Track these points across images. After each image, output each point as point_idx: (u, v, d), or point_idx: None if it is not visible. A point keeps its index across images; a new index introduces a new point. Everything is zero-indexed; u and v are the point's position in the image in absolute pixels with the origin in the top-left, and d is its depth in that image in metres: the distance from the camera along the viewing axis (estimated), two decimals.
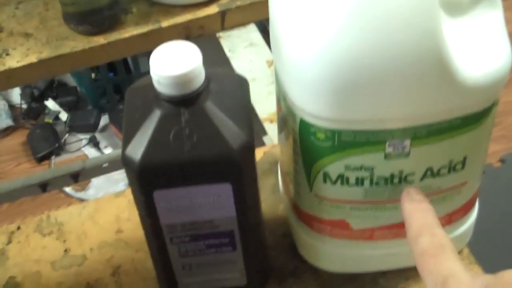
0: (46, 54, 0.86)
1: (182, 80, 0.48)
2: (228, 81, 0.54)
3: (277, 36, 0.53)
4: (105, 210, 0.71)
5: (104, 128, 1.98)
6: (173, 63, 0.49)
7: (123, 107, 2.00)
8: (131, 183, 0.53)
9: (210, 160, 0.50)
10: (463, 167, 0.54)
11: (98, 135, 1.96)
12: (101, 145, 1.94)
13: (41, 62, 0.86)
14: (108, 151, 1.92)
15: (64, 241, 0.68)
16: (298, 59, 0.49)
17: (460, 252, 0.64)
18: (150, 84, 0.50)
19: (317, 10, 0.47)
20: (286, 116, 0.56)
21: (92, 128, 1.96)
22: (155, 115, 0.50)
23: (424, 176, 0.54)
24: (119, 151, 1.37)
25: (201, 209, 0.53)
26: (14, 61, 0.86)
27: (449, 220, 0.59)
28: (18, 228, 0.70)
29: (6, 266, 0.67)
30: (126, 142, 0.51)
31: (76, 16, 0.87)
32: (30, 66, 0.86)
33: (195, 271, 0.58)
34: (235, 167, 0.51)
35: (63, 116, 1.99)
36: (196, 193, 0.52)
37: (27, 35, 0.89)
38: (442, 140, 0.51)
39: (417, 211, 0.45)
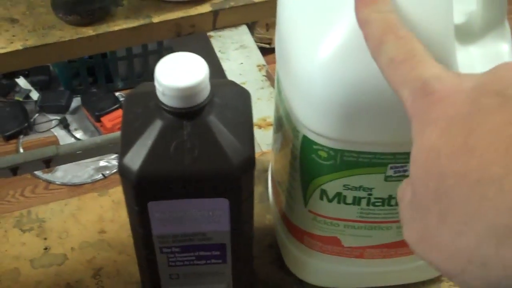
0: (32, 42, 0.84)
1: (188, 93, 0.47)
2: (231, 94, 0.53)
3: (286, 50, 0.52)
4: (88, 209, 0.70)
5: (75, 110, 1.95)
6: (179, 75, 0.47)
7: (95, 91, 1.96)
8: (126, 193, 0.52)
9: (210, 175, 0.49)
10: None
11: (68, 117, 1.93)
12: (72, 127, 1.91)
13: (26, 50, 0.84)
14: (78, 133, 1.89)
15: (45, 238, 0.67)
16: (307, 79, 0.49)
17: None
18: (152, 93, 0.49)
19: (329, 31, 0.46)
20: (286, 129, 0.55)
21: (63, 109, 1.92)
22: (157, 126, 0.49)
23: None
24: (93, 139, 1.36)
25: (195, 221, 0.53)
26: None
27: None
28: None
29: None
30: (124, 150, 0.50)
31: (66, 5, 0.85)
32: (15, 53, 0.84)
33: (182, 281, 0.57)
34: (234, 183, 0.50)
35: (34, 95, 1.95)
36: (191, 206, 0.51)
37: (13, 21, 0.87)
38: None
39: (376, 13, 0.37)
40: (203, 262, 0.56)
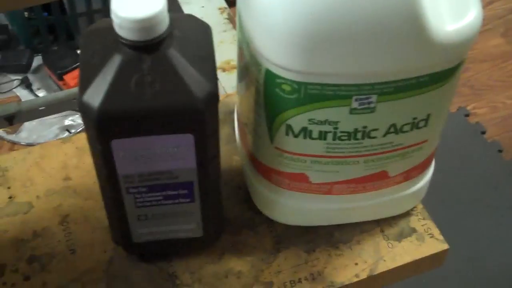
0: None
1: (146, 24, 0.46)
2: (191, 28, 0.52)
3: None
4: (51, 156, 0.68)
5: (37, 70, 1.90)
6: (137, 6, 0.46)
7: (56, 48, 1.92)
8: (87, 131, 0.50)
9: (173, 109, 0.48)
10: (426, 124, 0.54)
11: (30, 77, 1.88)
12: (34, 86, 1.87)
13: None
14: (41, 93, 1.85)
15: (8, 187, 0.66)
16: (268, 9, 0.48)
17: (414, 208, 0.64)
18: (109, 28, 0.48)
19: None
20: (250, 66, 0.54)
21: (24, 68, 1.88)
22: (115, 61, 0.48)
23: (387, 132, 0.54)
24: (55, 94, 1.34)
25: (160, 159, 0.52)
26: None
27: (407, 176, 0.59)
28: None
29: None
30: (84, 88, 0.48)
31: None
32: None
33: (150, 222, 0.56)
34: (198, 118, 0.49)
35: None
36: (156, 143, 0.50)
37: None
38: (408, 97, 0.51)
39: None
40: (171, 202, 0.55)
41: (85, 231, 0.62)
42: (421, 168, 0.60)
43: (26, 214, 0.64)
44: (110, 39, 0.48)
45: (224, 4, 0.86)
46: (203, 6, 0.86)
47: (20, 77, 1.88)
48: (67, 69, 1.84)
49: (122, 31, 0.47)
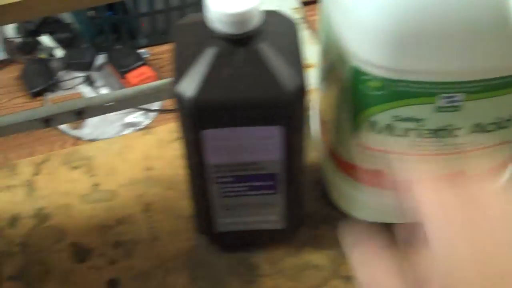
0: None
1: (241, 18, 0.48)
2: (278, 23, 0.54)
3: None
4: (133, 147, 0.70)
5: (100, 67, 1.95)
6: (232, 1, 0.48)
7: (121, 47, 1.96)
8: (181, 121, 0.52)
9: (263, 102, 0.50)
10: (510, 125, 0.54)
11: (94, 74, 1.93)
12: (97, 84, 1.91)
13: None
14: (103, 90, 1.90)
15: (93, 175, 0.68)
16: (360, 7, 0.49)
17: None
18: (201, 22, 0.49)
19: None
20: (335, 63, 0.55)
21: (87, 66, 1.93)
22: (209, 53, 0.49)
23: (471, 131, 0.54)
24: (123, 91, 1.37)
25: (248, 150, 0.53)
26: None
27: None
28: (46, 159, 0.70)
29: (33, 197, 0.66)
30: (178, 78, 0.50)
31: None
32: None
33: (235, 212, 0.58)
34: (287, 111, 0.51)
35: (58, 52, 1.96)
36: (245, 134, 0.52)
37: None
38: (494, 96, 0.51)
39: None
40: (256, 193, 0.57)
41: (168, 220, 0.64)
42: (499, 168, 0.60)
43: (110, 201, 0.66)
44: (203, 33, 0.50)
45: (298, 4, 0.88)
46: (279, 6, 0.88)
47: (83, 74, 1.92)
48: (129, 68, 1.88)
49: (218, 25, 0.48)
